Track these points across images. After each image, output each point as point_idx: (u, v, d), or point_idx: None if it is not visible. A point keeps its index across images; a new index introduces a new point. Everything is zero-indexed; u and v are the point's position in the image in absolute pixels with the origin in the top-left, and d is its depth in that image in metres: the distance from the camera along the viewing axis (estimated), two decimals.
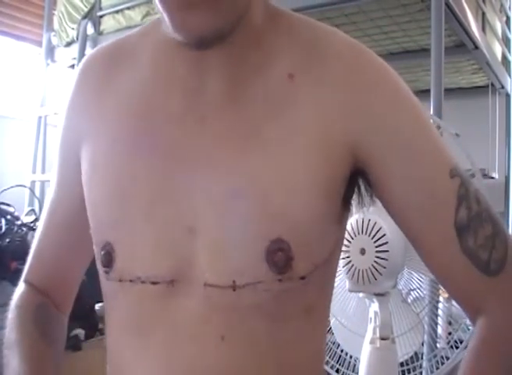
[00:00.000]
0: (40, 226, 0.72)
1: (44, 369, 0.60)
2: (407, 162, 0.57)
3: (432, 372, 1.33)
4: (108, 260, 0.59)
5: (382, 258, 1.14)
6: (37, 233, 0.72)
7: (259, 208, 0.55)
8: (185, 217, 0.57)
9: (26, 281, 0.71)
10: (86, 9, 2.96)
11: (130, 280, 0.58)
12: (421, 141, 0.58)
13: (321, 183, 0.56)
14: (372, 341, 1.19)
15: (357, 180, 0.61)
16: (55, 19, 3.17)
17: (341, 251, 0.67)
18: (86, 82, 0.67)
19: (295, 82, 0.58)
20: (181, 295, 0.57)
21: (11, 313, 0.66)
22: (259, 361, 0.58)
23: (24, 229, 1.92)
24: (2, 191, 2.17)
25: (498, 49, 3.00)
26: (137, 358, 0.59)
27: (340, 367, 1.34)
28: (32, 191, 2.86)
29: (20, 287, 0.70)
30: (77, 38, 2.95)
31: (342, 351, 1.35)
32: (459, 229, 0.56)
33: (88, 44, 2.89)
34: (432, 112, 1.82)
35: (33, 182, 3.01)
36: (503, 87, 3.17)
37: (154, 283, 0.57)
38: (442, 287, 0.60)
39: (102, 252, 0.60)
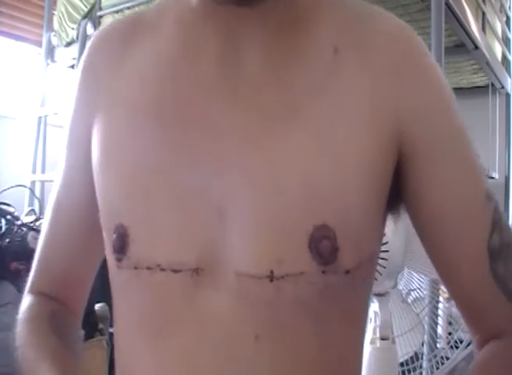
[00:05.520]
0: (45, 224, 0.64)
1: None
2: (450, 170, 0.54)
3: (432, 372, 1.34)
4: (121, 245, 0.52)
5: (382, 259, 1.14)
6: (43, 233, 0.65)
7: (304, 190, 0.49)
8: (214, 196, 0.50)
9: (33, 292, 0.63)
10: (86, 9, 2.97)
11: (148, 268, 0.51)
12: (466, 153, 0.55)
13: (372, 167, 0.51)
14: (372, 341, 1.19)
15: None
16: (55, 19, 3.17)
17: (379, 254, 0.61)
18: (100, 55, 0.61)
19: (340, 56, 0.53)
20: (207, 286, 0.50)
21: (22, 329, 0.58)
22: (298, 366, 0.51)
23: (24, 229, 1.92)
24: (2, 191, 2.17)
25: (498, 49, 3.00)
26: (154, 359, 0.52)
27: None
28: (32, 191, 2.86)
29: (27, 300, 0.62)
30: (77, 38, 2.96)
31: None
32: (491, 252, 0.54)
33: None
34: None
35: (33, 182, 3.01)
36: (503, 87, 3.17)
37: (175, 271, 0.50)
38: (453, 302, 0.59)
39: (114, 236, 0.53)
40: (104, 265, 0.63)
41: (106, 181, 0.55)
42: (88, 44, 0.63)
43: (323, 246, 0.49)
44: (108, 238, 0.54)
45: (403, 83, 0.54)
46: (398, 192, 0.55)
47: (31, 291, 0.64)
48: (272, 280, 0.48)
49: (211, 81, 0.54)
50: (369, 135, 0.52)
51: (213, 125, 0.52)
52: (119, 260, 0.53)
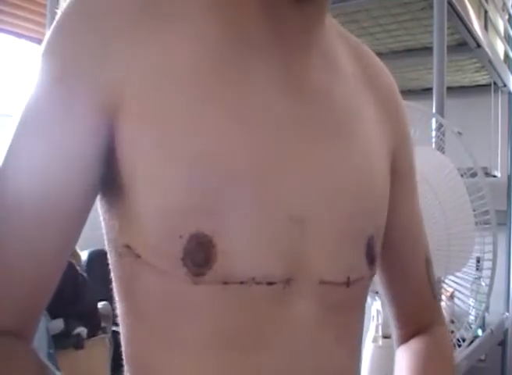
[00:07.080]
0: None
1: None
2: (411, 194, 0.69)
3: None
4: (206, 258, 0.46)
5: None
6: None
7: (362, 206, 0.56)
8: (293, 204, 0.50)
9: None
10: None
11: (241, 282, 0.47)
12: (415, 181, 0.70)
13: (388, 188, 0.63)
14: (375, 339, 1.19)
15: None
16: None
17: None
18: (110, 12, 0.48)
19: (357, 80, 0.61)
20: (296, 296, 0.50)
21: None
22: (357, 358, 0.59)
23: None
24: None
25: (500, 47, 3.00)
26: None
27: None
28: None
29: None
30: None
31: None
32: (427, 262, 0.70)
33: None
34: (434, 110, 1.82)
35: None
36: (505, 86, 3.16)
37: (270, 283, 0.49)
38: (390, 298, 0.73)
39: (189, 246, 0.46)
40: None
41: (174, 182, 0.47)
42: None
43: (375, 253, 0.57)
44: (171, 248, 0.47)
45: (393, 117, 0.65)
46: None
47: None
48: (348, 286, 0.54)
49: (265, 79, 0.51)
50: (387, 159, 0.62)
51: (280, 120, 0.51)
52: (198, 275, 0.47)
